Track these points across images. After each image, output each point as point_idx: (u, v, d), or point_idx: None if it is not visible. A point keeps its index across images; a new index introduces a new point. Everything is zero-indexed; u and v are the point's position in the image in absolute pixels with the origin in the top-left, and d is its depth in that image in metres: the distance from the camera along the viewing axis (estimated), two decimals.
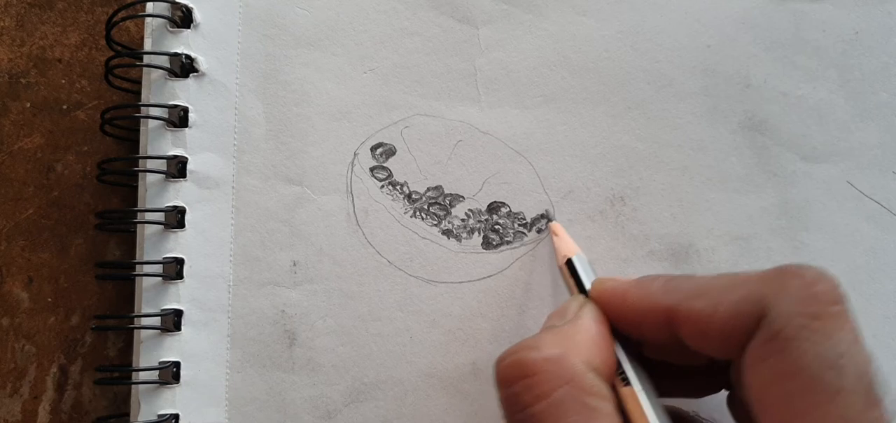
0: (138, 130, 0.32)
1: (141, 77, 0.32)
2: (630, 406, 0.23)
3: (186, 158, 0.31)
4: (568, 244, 0.29)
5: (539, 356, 0.22)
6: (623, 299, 0.24)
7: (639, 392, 0.23)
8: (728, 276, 0.22)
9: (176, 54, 0.31)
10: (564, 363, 0.21)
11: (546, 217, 0.31)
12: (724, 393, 0.26)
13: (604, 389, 0.22)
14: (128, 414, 0.31)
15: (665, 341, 0.23)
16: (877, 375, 0.19)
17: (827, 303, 0.20)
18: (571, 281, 0.28)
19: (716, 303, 0.21)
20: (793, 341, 0.19)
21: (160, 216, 0.31)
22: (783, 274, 0.21)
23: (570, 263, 0.28)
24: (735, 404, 0.25)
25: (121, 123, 0.33)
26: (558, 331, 0.23)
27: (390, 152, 0.32)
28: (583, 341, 0.23)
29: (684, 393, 0.27)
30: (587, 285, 0.27)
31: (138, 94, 0.32)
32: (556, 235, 0.30)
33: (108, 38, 0.31)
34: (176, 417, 0.30)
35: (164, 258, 0.31)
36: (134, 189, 0.32)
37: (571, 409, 0.21)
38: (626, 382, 0.23)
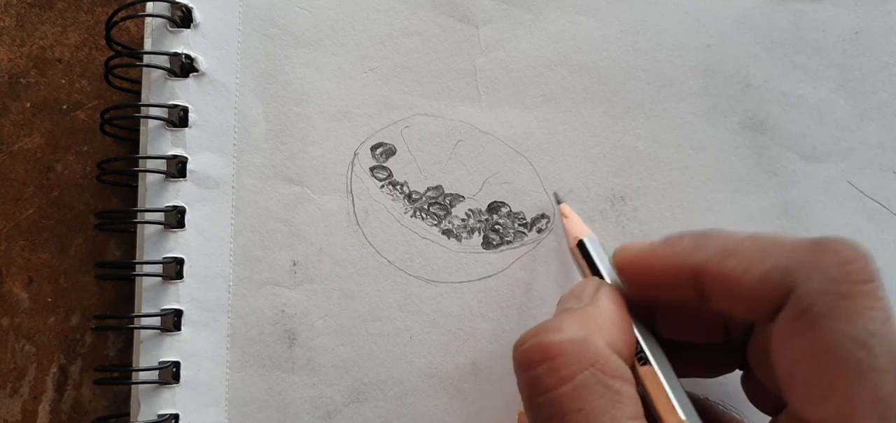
0: (138, 130, 0.32)
1: (141, 77, 0.32)
2: (649, 385, 0.22)
3: (186, 158, 0.31)
4: (578, 226, 0.28)
5: (563, 338, 0.21)
6: (651, 258, 0.23)
7: (658, 372, 0.22)
8: (760, 238, 0.22)
9: (176, 54, 0.31)
10: (588, 345, 0.21)
11: (556, 201, 0.31)
12: (735, 375, 0.26)
13: (627, 372, 0.21)
14: (128, 414, 0.31)
15: (690, 303, 0.23)
16: None
17: (858, 281, 0.19)
18: (584, 263, 0.27)
19: (746, 267, 0.21)
20: (822, 318, 0.19)
21: (160, 216, 0.31)
22: (817, 248, 0.20)
23: (581, 244, 0.27)
24: (751, 383, 0.25)
25: (121, 123, 0.33)
26: (579, 313, 0.23)
27: (390, 152, 0.32)
28: (604, 322, 0.22)
29: (698, 372, 0.26)
30: (600, 266, 0.26)
31: (138, 94, 0.32)
32: (566, 216, 0.29)
33: (108, 38, 0.31)
34: (176, 417, 0.30)
35: (164, 258, 0.30)
36: (134, 189, 0.32)
37: (596, 392, 0.20)
38: (644, 361, 0.23)
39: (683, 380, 0.24)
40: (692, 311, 0.24)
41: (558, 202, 0.30)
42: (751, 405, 0.25)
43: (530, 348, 0.21)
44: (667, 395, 0.22)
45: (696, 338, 0.25)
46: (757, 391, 0.25)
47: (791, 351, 0.20)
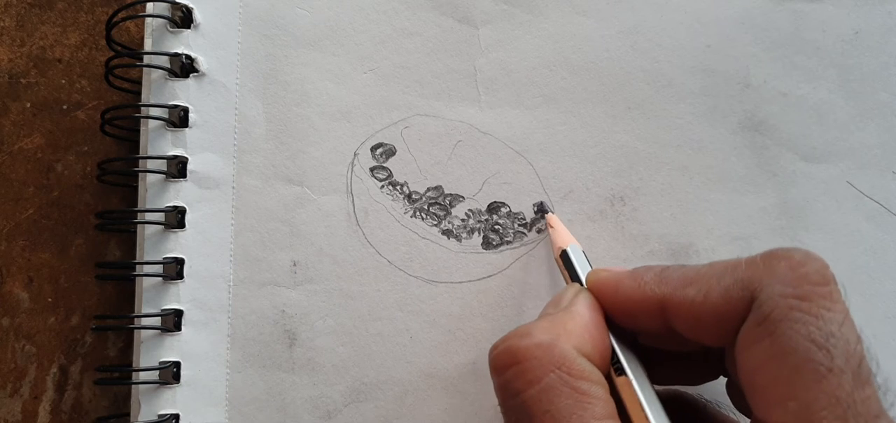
0: (138, 130, 0.32)
1: (141, 77, 0.32)
2: (625, 395, 0.23)
3: (186, 158, 0.31)
4: (563, 236, 0.29)
5: (530, 343, 0.22)
6: (616, 289, 0.24)
7: (633, 382, 0.23)
8: (719, 263, 0.22)
9: (176, 54, 0.31)
10: (554, 348, 0.22)
11: (541, 210, 0.31)
12: (723, 379, 0.26)
13: (595, 373, 0.22)
14: (128, 414, 0.31)
15: (659, 331, 0.23)
16: (867, 353, 0.19)
17: (815, 284, 0.20)
18: (566, 272, 0.28)
19: (707, 290, 0.22)
20: (782, 322, 0.19)
21: (160, 216, 0.31)
22: (771, 257, 0.21)
23: (564, 254, 0.28)
24: (734, 389, 0.25)
25: (121, 123, 0.33)
26: (551, 318, 0.23)
27: (390, 152, 0.32)
28: (574, 327, 0.23)
29: (683, 380, 0.27)
30: (581, 276, 0.27)
31: (138, 94, 0.32)
32: (553, 227, 0.30)
33: (108, 39, 0.31)
34: (176, 417, 0.30)
35: (165, 258, 0.31)
36: (134, 189, 0.32)
37: (562, 393, 0.21)
38: (621, 372, 0.23)
39: (674, 386, 0.24)
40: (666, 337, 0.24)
41: (545, 213, 0.31)
42: None
43: (501, 352, 0.22)
44: (641, 407, 0.22)
45: (678, 348, 0.25)
46: (740, 397, 0.25)
47: (752, 358, 0.20)
